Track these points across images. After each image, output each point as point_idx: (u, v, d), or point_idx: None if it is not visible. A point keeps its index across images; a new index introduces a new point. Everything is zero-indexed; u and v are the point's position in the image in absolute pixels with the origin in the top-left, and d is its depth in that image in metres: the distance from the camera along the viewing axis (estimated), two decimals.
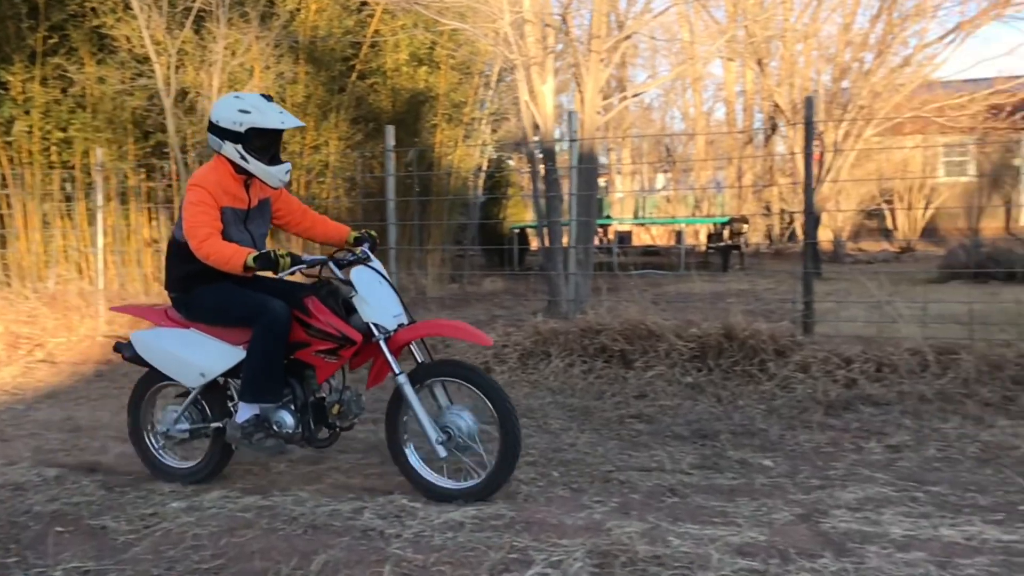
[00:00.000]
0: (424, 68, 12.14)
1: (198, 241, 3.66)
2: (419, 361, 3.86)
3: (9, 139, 10.10)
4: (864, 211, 18.70)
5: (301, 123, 4.04)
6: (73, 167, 10.20)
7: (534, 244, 16.09)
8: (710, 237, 16.17)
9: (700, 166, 20.62)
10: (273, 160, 3.84)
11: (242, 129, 3.74)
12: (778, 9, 13.79)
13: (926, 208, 18.96)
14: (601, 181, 20.79)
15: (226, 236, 3.76)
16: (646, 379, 5.60)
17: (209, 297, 3.87)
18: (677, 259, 14.83)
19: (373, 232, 4.15)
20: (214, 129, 3.82)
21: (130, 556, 3.24)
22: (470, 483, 3.75)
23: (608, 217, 18.98)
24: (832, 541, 3.20)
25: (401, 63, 11.93)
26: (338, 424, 3.96)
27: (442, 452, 3.70)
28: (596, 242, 14.08)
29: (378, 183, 9.95)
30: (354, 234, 4.14)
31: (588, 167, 7.76)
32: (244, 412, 3.84)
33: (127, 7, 9.65)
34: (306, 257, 3.79)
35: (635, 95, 14.61)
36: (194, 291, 3.89)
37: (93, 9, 9.79)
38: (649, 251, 17.10)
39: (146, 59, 9.79)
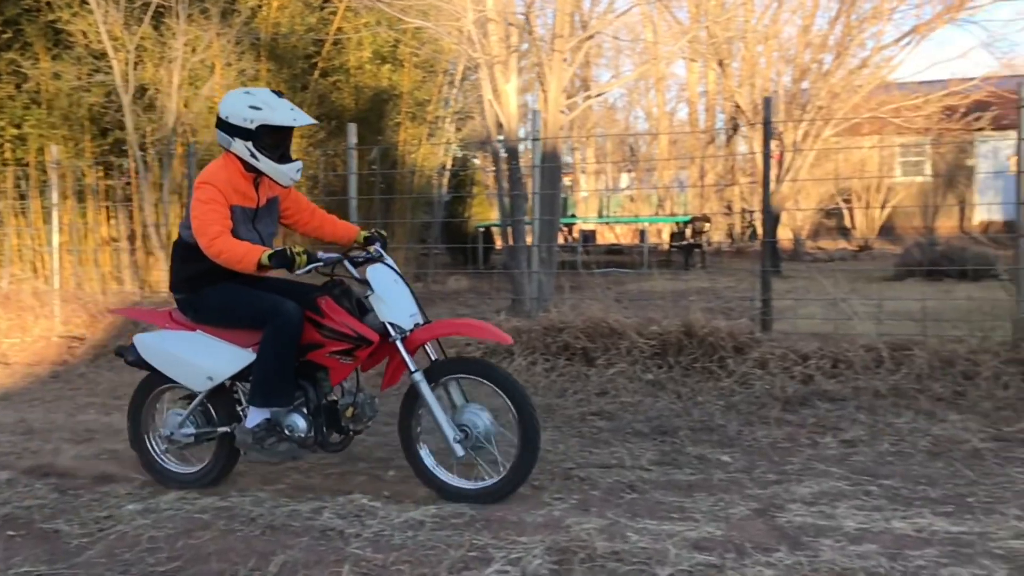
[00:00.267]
0: (387, 66, 12.10)
1: (208, 239, 3.55)
2: (432, 359, 3.78)
3: None
4: (823, 210, 19.00)
5: (313, 120, 3.94)
6: (27, 164, 10.01)
7: (499, 243, 16.10)
8: (673, 236, 16.32)
9: (663, 165, 20.79)
10: (283, 158, 3.73)
11: (253, 126, 3.63)
12: (739, 10, 13.93)
13: (883, 207, 19.33)
14: (566, 180, 20.88)
15: (235, 235, 3.64)
16: (608, 376, 5.64)
17: (217, 298, 3.75)
18: (640, 258, 14.95)
19: (383, 231, 4.07)
20: (223, 125, 3.70)
21: (84, 560, 3.19)
22: (488, 482, 3.67)
23: (573, 216, 19.06)
24: (787, 535, 3.25)
25: (364, 61, 11.87)
26: (351, 427, 3.86)
27: (460, 451, 3.62)
28: (561, 241, 14.15)
29: (341, 181, 9.88)
30: (364, 233, 4.05)
31: (552, 166, 7.79)
32: (254, 416, 3.72)
33: (83, 2, 9.49)
34: (321, 255, 3.66)
35: (599, 95, 14.69)
36: (201, 292, 3.77)
37: (48, 3, 9.61)
38: (613, 250, 17.21)
39: (103, 55, 9.63)
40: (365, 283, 3.71)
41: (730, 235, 19.60)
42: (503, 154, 8.34)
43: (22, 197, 9.96)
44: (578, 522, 3.39)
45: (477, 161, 18.25)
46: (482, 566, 3.01)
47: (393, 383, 3.79)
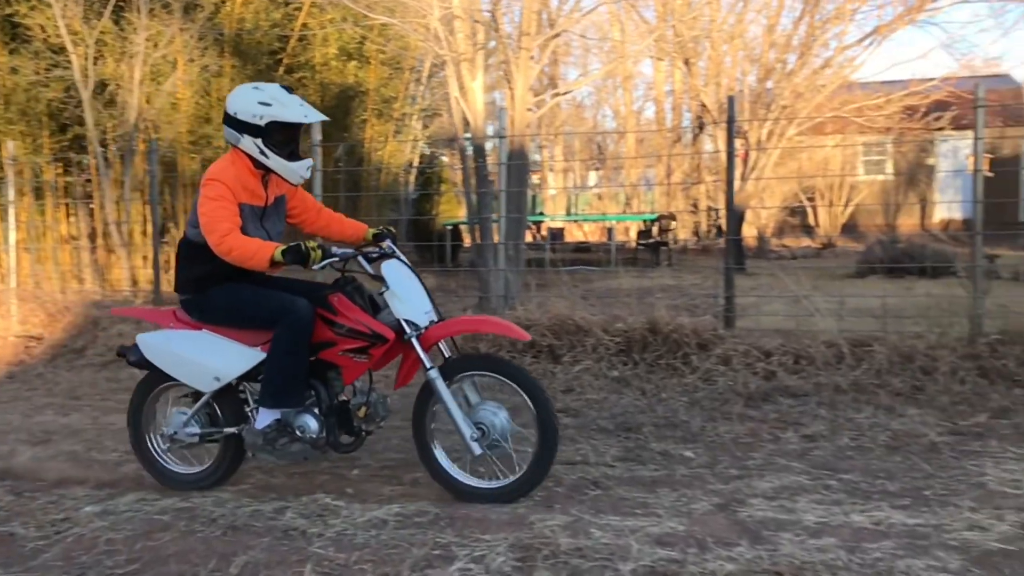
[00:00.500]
0: (353, 63, 12.04)
1: (219, 236, 3.44)
2: (446, 357, 3.71)
3: None
4: (787, 208, 19.23)
5: (324, 117, 3.84)
6: None
7: (468, 241, 16.09)
8: (640, 234, 16.42)
9: (630, 164, 20.90)
10: (292, 155, 3.63)
11: (262, 122, 3.54)
12: (705, 10, 14.03)
13: (846, 205, 19.61)
14: (534, 178, 20.92)
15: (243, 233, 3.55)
16: (573, 373, 5.66)
17: (225, 298, 3.66)
18: (608, 255, 15.02)
19: (392, 228, 4.00)
20: (231, 122, 3.60)
21: (40, 563, 3.13)
22: (505, 482, 3.62)
23: (541, 214, 19.09)
24: (748, 529, 3.28)
25: (330, 57, 11.80)
26: (364, 428, 3.78)
27: (477, 450, 3.55)
28: (529, 239, 14.17)
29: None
30: (372, 231, 3.97)
31: (519, 164, 7.79)
32: (265, 417, 3.63)
33: None
34: (336, 250, 3.57)
35: (566, 92, 14.71)
36: (208, 292, 3.68)
37: None
38: (581, 248, 17.27)
39: (62, 49, 9.47)
40: (380, 279, 3.63)
41: (696, 233, 19.76)
42: (470, 152, 8.33)
43: None
44: (542, 519, 3.39)
45: (445, 158, 18.22)
46: (445, 564, 3.00)
47: (407, 382, 3.72)
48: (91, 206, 10.09)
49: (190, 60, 10.26)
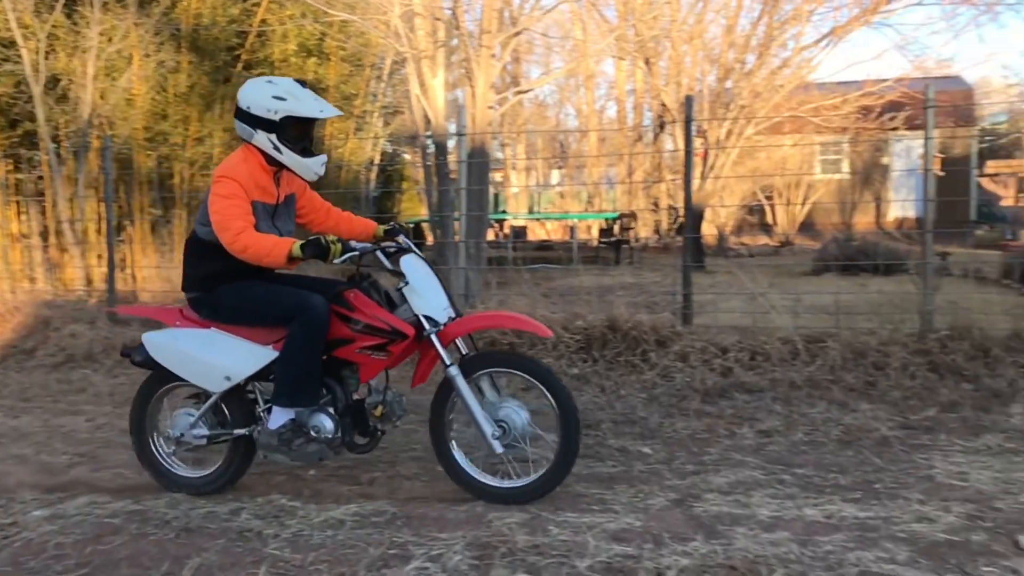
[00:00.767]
0: (313, 59, 11.95)
1: (233, 234, 3.36)
2: (463, 353, 3.65)
3: None
4: (746, 206, 19.47)
5: (339, 112, 3.76)
6: None
7: (430, 239, 16.04)
8: (602, 232, 16.51)
9: (592, 162, 21.00)
10: (305, 151, 3.56)
11: (277, 117, 3.45)
12: (665, 9, 14.14)
13: (803, 204, 19.92)
14: (497, 176, 20.91)
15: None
16: None
17: (237, 295, 3.56)
18: (569, 254, 15.07)
19: (403, 224, 3.91)
20: (244, 116, 3.51)
21: None
22: (525, 481, 3.57)
23: (504, 212, 19.11)
24: (703, 524, 3.32)
25: (289, 54, 11.70)
26: (379, 427, 3.70)
27: (498, 448, 3.49)
28: (492, 237, 14.17)
29: None
30: (383, 227, 3.90)
31: (479, 161, 7.79)
32: (278, 417, 3.54)
33: None
34: (355, 244, 3.51)
35: (527, 91, 14.73)
36: (218, 289, 3.58)
37: None
38: (543, 246, 17.32)
39: (12, 43, 9.25)
40: (399, 274, 3.56)
41: (657, 231, 19.92)
42: (431, 149, 8.31)
43: None
44: (500, 517, 3.40)
45: (407, 156, 18.14)
46: (402, 563, 3.00)
47: (424, 379, 3.66)
48: (43, 204, 9.87)
49: (146, 55, 10.10)
